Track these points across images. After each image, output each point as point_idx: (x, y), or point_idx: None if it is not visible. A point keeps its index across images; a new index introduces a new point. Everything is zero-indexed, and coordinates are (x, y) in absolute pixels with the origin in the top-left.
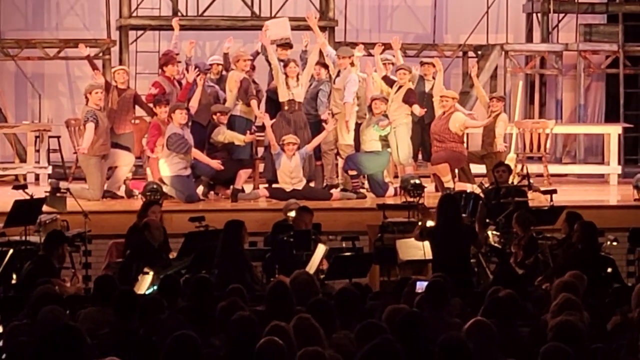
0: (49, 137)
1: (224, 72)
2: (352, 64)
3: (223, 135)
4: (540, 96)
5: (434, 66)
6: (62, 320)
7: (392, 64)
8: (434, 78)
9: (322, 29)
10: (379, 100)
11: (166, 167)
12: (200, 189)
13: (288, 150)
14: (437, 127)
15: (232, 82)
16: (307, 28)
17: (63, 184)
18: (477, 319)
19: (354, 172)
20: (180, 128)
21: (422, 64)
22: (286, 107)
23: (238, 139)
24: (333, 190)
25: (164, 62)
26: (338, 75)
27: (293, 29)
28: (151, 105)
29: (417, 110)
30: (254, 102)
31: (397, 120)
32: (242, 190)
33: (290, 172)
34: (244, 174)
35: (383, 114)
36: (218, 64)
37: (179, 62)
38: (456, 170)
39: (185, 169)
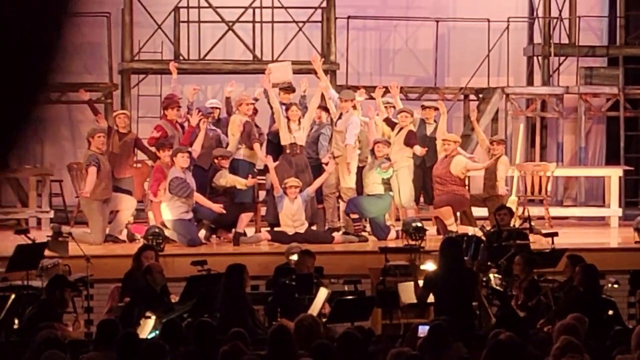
0: (51, 181)
1: (222, 116)
2: (354, 107)
3: (225, 179)
4: (541, 139)
5: (435, 109)
6: None
7: (394, 107)
8: (435, 122)
9: (324, 72)
10: (381, 144)
11: (168, 211)
12: (202, 233)
13: (290, 193)
14: (438, 170)
15: (235, 126)
16: (310, 72)
17: (65, 229)
18: None
19: (356, 216)
20: (182, 172)
21: (423, 107)
22: (288, 151)
23: (240, 182)
24: (335, 234)
25: (165, 105)
26: (340, 118)
27: (295, 72)
28: (154, 148)
29: (419, 150)
30: (257, 146)
31: (399, 163)
32: (244, 234)
33: (293, 215)
34: (245, 217)
35: (385, 157)
36: (216, 108)
37: (180, 106)
38: (458, 213)
39: (187, 213)
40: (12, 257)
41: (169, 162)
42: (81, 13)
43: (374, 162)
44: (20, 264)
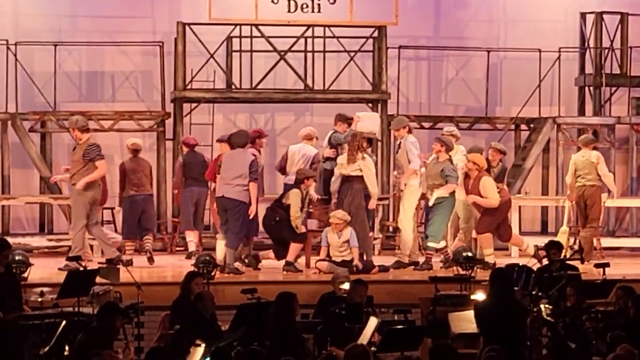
0: (103, 208)
1: None
2: (409, 132)
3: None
4: None
5: (500, 153)
6: None
7: (455, 136)
8: (501, 162)
9: (375, 101)
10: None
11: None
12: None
13: (335, 227)
14: (473, 193)
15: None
16: (361, 101)
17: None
18: None
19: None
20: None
21: (494, 150)
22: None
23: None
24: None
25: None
26: (399, 147)
27: (346, 101)
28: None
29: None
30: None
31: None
32: (293, 264)
33: (339, 246)
34: (295, 247)
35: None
36: None
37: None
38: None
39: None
40: (64, 283)
41: None
42: (134, 42)
43: (437, 161)
44: (71, 291)
